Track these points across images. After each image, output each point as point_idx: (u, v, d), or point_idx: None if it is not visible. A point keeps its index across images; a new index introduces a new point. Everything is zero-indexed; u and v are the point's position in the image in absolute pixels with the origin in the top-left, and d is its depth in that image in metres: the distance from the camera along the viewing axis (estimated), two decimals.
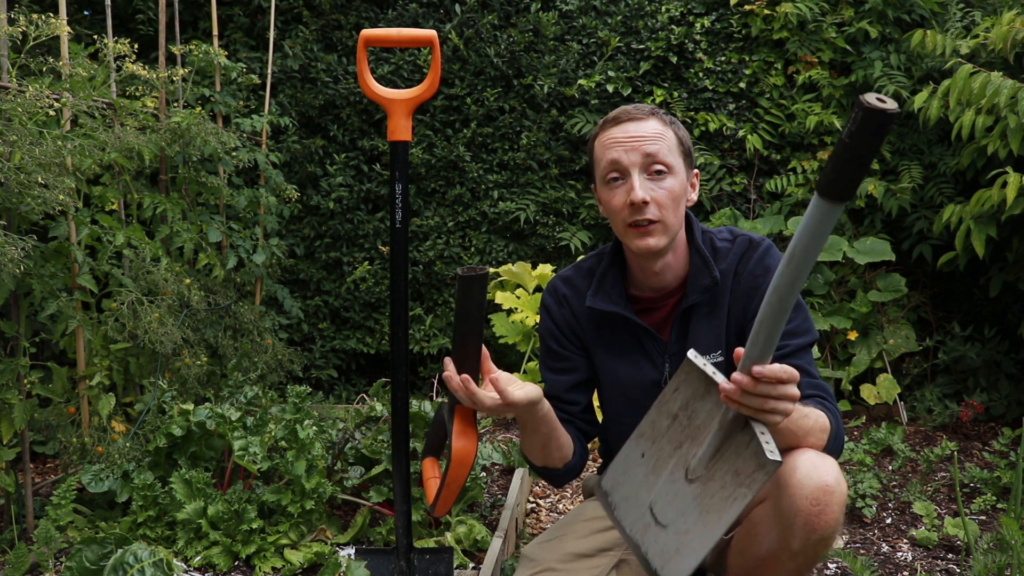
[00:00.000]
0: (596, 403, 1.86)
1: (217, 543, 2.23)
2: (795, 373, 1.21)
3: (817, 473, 1.30)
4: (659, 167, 1.51)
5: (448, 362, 1.46)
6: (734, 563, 1.50)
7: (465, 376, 1.43)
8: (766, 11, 3.89)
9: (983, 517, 2.58)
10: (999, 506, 2.62)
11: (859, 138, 1.01)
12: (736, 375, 1.21)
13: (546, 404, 1.51)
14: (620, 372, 1.66)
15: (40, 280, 2.28)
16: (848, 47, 3.87)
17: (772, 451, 1.21)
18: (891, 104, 0.98)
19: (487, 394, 1.45)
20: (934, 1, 3.83)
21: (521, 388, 1.45)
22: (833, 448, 1.42)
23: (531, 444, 1.60)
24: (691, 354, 1.33)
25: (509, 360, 3.87)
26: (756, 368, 1.18)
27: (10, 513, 2.33)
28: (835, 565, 2.22)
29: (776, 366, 1.20)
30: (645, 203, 1.49)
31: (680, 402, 1.34)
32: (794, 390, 1.22)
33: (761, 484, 1.20)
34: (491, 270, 3.97)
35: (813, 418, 1.38)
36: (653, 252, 1.54)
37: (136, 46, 2.76)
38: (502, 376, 1.45)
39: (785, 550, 1.35)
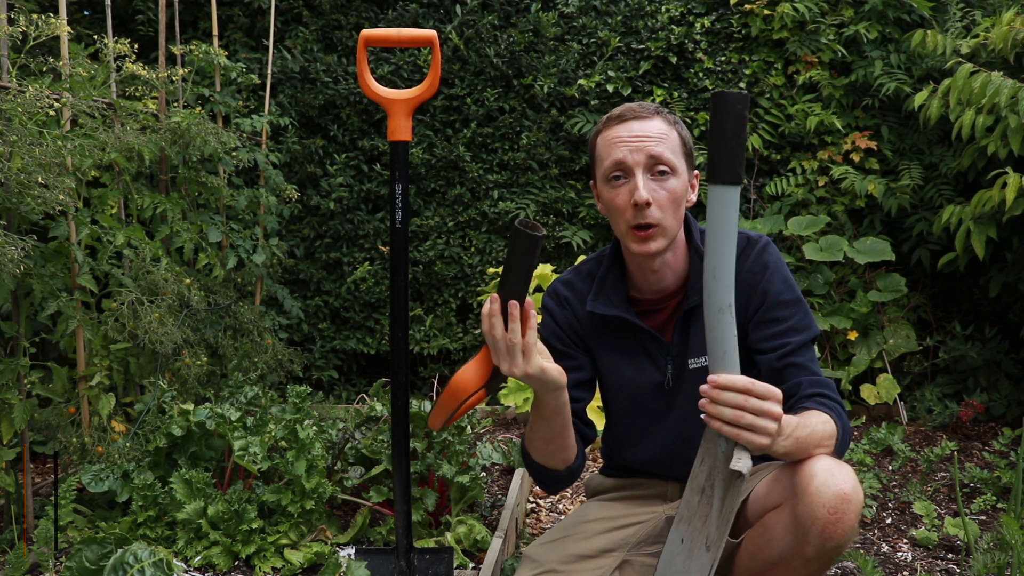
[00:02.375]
0: (597, 404, 1.86)
1: (217, 543, 2.23)
2: (774, 392, 1.25)
3: (835, 481, 1.30)
4: (663, 168, 1.51)
5: (497, 298, 1.35)
6: (743, 565, 1.50)
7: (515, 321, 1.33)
8: (766, 11, 3.89)
9: (983, 517, 2.58)
10: (999, 506, 2.62)
11: (721, 122, 1.18)
12: (703, 386, 1.27)
13: (566, 395, 1.47)
14: (623, 375, 1.66)
15: (40, 280, 2.28)
16: (845, 51, 3.86)
17: (737, 461, 1.24)
18: (736, 91, 1.19)
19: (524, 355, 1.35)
20: (927, 5, 3.83)
21: (551, 362, 1.40)
22: (840, 449, 1.41)
23: (540, 436, 1.55)
24: (706, 417, 1.34)
25: None
26: (711, 377, 1.26)
27: (10, 513, 2.33)
28: (834, 566, 2.22)
29: (740, 377, 1.25)
30: (648, 204, 1.49)
31: (706, 473, 1.34)
32: (773, 407, 1.24)
33: (735, 500, 1.22)
34: (491, 270, 3.97)
35: (820, 429, 1.36)
36: (653, 255, 1.54)
37: (136, 46, 2.76)
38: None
39: (798, 556, 1.35)
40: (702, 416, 1.28)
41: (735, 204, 1.21)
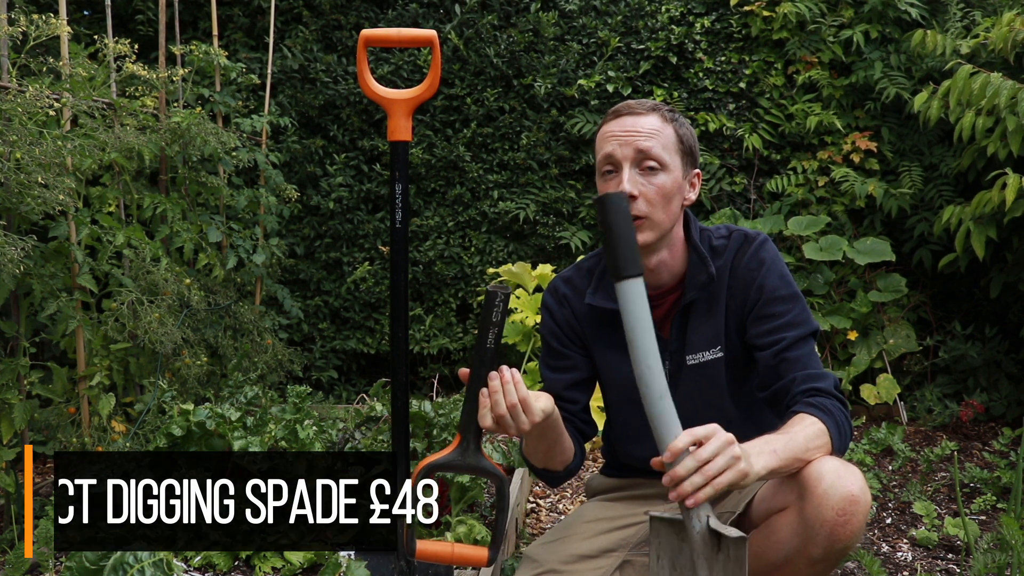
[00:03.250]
0: (598, 404, 1.86)
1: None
2: (711, 428, 1.23)
3: (843, 483, 1.29)
4: (651, 163, 1.51)
5: (495, 375, 1.39)
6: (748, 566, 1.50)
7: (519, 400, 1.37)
8: (766, 11, 3.89)
9: (983, 517, 2.58)
10: (999, 506, 2.62)
11: (607, 222, 1.28)
12: (671, 493, 1.23)
13: (556, 412, 1.50)
14: (621, 370, 1.65)
15: (40, 280, 2.28)
16: (845, 52, 3.86)
17: (729, 531, 1.22)
18: (614, 192, 1.30)
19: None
20: None
21: (536, 400, 1.42)
22: (840, 447, 1.40)
23: (535, 448, 1.59)
24: (650, 513, 1.35)
25: (509, 361, 3.87)
26: (666, 455, 1.23)
27: (10, 513, 2.33)
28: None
29: (678, 439, 1.23)
30: (633, 197, 1.50)
31: (668, 566, 1.32)
32: (719, 439, 1.22)
33: (744, 560, 1.20)
34: (491, 270, 3.98)
35: (802, 435, 1.35)
36: (641, 247, 1.54)
37: (136, 46, 2.76)
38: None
39: (804, 558, 1.34)
40: (686, 502, 1.23)
41: (643, 293, 1.28)
